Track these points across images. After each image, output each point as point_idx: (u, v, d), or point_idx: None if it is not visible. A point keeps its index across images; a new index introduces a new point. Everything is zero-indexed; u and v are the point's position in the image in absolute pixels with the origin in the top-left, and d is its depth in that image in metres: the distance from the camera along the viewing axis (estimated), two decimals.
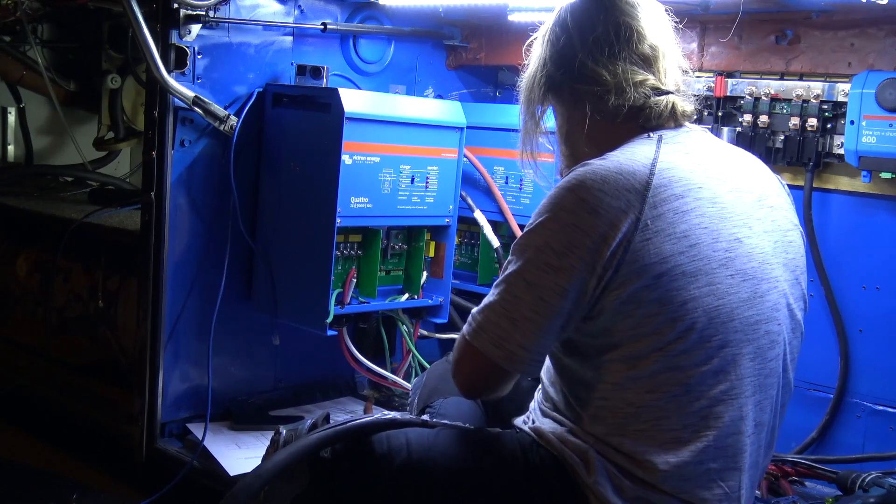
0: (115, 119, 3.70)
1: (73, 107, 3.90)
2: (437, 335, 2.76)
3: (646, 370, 1.43)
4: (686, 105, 1.60)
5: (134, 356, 2.48)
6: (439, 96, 2.94)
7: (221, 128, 2.36)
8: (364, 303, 2.44)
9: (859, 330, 2.35)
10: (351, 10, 2.70)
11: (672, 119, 1.58)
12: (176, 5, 2.27)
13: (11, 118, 4.10)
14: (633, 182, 1.43)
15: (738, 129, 2.41)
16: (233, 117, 2.37)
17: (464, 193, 2.64)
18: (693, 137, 1.58)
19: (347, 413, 2.65)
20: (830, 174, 2.36)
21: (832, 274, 2.36)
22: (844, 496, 1.97)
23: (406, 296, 2.54)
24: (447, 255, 2.58)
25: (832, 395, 2.37)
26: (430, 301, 2.57)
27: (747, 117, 2.39)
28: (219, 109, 2.35)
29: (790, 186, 1.72)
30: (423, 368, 2.57)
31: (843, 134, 2.25)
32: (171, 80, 2.28)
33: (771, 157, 2.36)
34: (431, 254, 2.59)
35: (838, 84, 2.27)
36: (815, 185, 2.36)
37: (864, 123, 2.17)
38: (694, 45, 2.47)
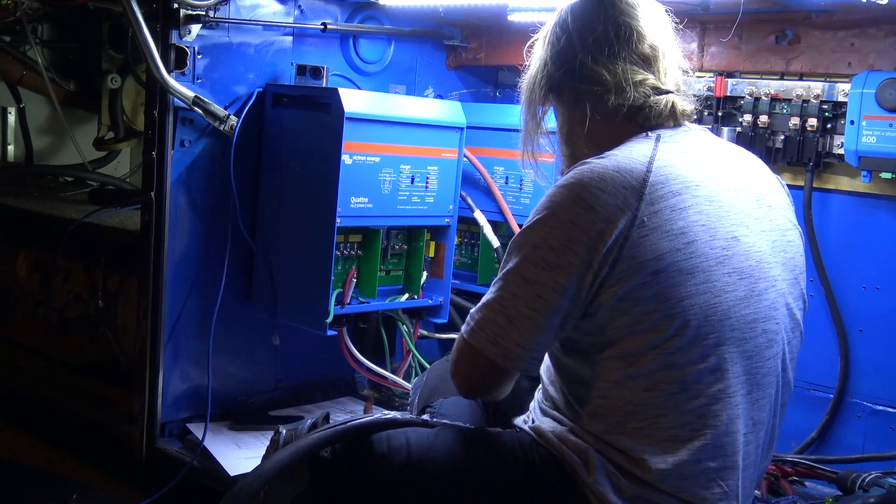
0: (115, 119, 3.70)
1: (73, 107, 3.91)
2: (437, 335, 2.76)
3: (644, 368, 1.43)
4: (686, 105, 1.60)
5: (134, 356, 2.48)
6: (439, 96, 2.94)
7: (221, 128, 2.37)
8: (364, 303, 2.44)
9: (859, 330, 2.35)
10: (351, 10, 2.70)
11: (672, 118, 1.58)
12: (176, 5, 2.27)
13: (11, 118, 4.10)
14: (630, 179, 1.43)
15: (738, 129, 2.41)
16: (233, 117, 2.37)
17: (464, 193, 2.64)
18: (692, 136, 1.58)
19: (347, 413, 2.65)
20: (830, 174, 2.36)
21: (832, 274, 2.36)
22: (844, 496, 1.97)
23: (406, 296, 2.54)
24: (447, 255, 2.58)
25: (832, 395, 2.37)
26: (430, 301, 2.57)
27: (747, 117, 2.39)
28: (219, 109, 2.35)
29: (790, 186, 1.72)
30: (423, 368, 2.57)
31: (843, 134, 2.25)
32: (171, 80, 2.28)
33: (771, 157, 2.36)
34: (431, 254, 2.59)
35: (838, 84, 2.27)
36: (815, 185, 2.36)
37: (864, 123, 2.17)
38: (694, 45, 2.47)
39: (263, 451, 1.66)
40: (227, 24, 2.39)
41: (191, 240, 2.43)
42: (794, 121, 2.33)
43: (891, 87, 2.13)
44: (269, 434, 1.67)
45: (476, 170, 2.68)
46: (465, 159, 2.59)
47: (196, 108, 2.32)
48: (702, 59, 2.48)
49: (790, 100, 2.33)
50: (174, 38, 2.29)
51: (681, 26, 1.66)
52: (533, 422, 1.62)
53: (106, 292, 2.84)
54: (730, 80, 2.43)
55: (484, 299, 1.52)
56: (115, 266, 2.84)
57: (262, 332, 2.54)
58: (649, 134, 1.55)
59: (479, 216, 2.66)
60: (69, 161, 4.05)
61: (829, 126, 2.31)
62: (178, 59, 2.31)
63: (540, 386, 1.67)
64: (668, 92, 1.57)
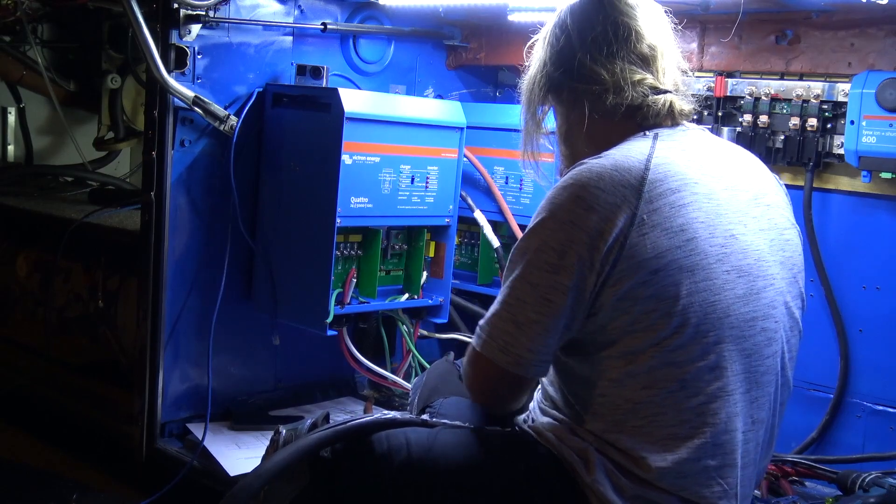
0: (115, 119, 3.70)
1: (73, 107, 3.91)
2: (437, 335, 2.76)
3: (643, 366, 1.43)
4: (684, 104, 1.60)
5: (134, 356, 2.49)
6: (439, 96, 2.94)
7: (221, 128, 2.37)
8: (364, 303, 2.44)
9: (859, 330, 2.35)
10: (351, 10, 2.70)
11: (670, 118, 1.58)
12: (176, 5, 2.27)
13: (11, 118, 4.11)
14: (629, 177, 1.44)
15: (738, 129, 2.41)
16: (233, 117, 2.37)
17: (464, 193, 2.65)
18: (689, 135, 1.58)
19: (347, 413, 2.65)
20: (830, 174, 2.36)
21: (832, 274, 2.36)
22: (844, 496, 1.97)
23: (406, 296, 2.54)
24: (447, 255, 2.58)
25: (832, 395, 2.37)
26: (430, 301, 2.57)
27: (747, 117, 2.39)
28: (219, 109, 2.35)
29: (790, 186, 1.72)
30: (423, 368, 2.57)
31: (843, 134, 2.25)
32: (171, 80, 2.28)
33: (771, 157, 2.36)
34: (431, 254, 2.59)
35: (838, 84, 2.27)
36: (815, 185, 2.36)
37: (864, 123, 2.17)
38: (694, 45, 2.47)
39: (263, 451, 1.66)
40: (227, 24, 2.39)
41: (191, 240, 2.43)
42: (794, 121, 2.33)
43: (891, 87, 2.13)
44: (269, 434, 1.67)
45: (476, 170, 2.68)
46: (465, 159, 2.59)
47: (196, 108, 2.32)
48: (702, 59, 2.48)
49: (790, 100, 2.33)
50: (174, 38, 2.29)
51: (680, 26, 1.67)
52: (533, 421, 1.62)
53: (106, 292, 2.84)
54: (730, 80, 2.43)
55: (492, 309, 1.52)
56: (115, 266, 2.84)
57: (262, 332, 2.54)
58: (647, 133, 1.55)
59: (479, 216, 2.66)
60: (69, 161, 4.05)
61: (829, 126, 2.31)
62: (178, 59, 2.31)
63: (539, 386, 1.68)
64: (666, 91, 1.58)
